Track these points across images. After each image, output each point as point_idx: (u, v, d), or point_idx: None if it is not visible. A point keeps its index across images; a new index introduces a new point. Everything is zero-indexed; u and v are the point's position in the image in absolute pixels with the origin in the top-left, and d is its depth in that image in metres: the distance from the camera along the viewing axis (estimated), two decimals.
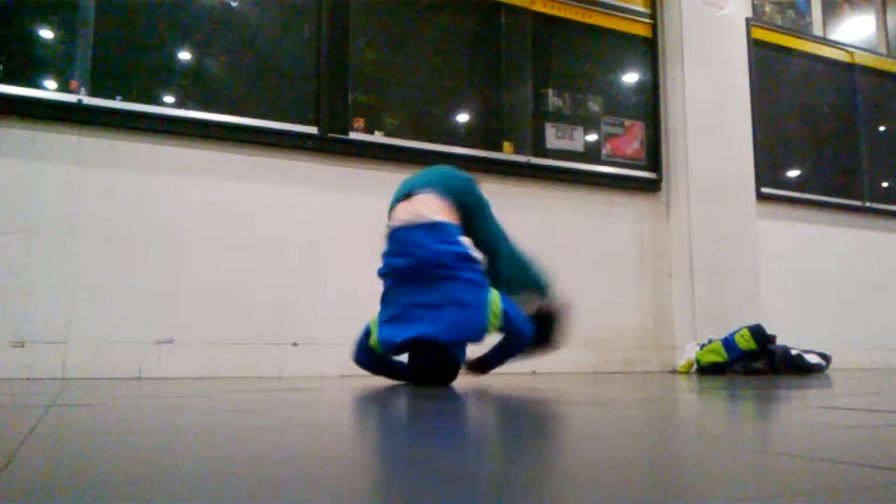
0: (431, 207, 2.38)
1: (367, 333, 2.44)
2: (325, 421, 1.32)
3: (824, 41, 5.24)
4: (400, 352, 2.34)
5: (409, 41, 3.91)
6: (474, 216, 2.50)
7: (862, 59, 5.31)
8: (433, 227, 2.31)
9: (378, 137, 3.63)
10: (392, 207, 2.57)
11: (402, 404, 1.76)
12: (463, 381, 2.54)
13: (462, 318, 2.22)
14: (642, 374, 3.89)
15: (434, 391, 2.10)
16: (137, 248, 3.09)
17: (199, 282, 3.18)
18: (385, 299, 2.39)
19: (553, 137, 4.12)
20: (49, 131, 3.02)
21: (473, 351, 2.46)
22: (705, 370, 3.72)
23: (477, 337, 2.28)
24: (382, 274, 2.41)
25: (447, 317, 2.20)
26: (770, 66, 4.86)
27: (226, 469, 0.75)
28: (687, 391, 2.35)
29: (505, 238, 2.63)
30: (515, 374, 3.24)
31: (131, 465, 0.78)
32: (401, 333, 2.23)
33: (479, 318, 2.23)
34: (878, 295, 5.05)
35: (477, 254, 2.34)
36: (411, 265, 2.27)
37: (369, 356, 2.49)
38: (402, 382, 2.53)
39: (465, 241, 2.34)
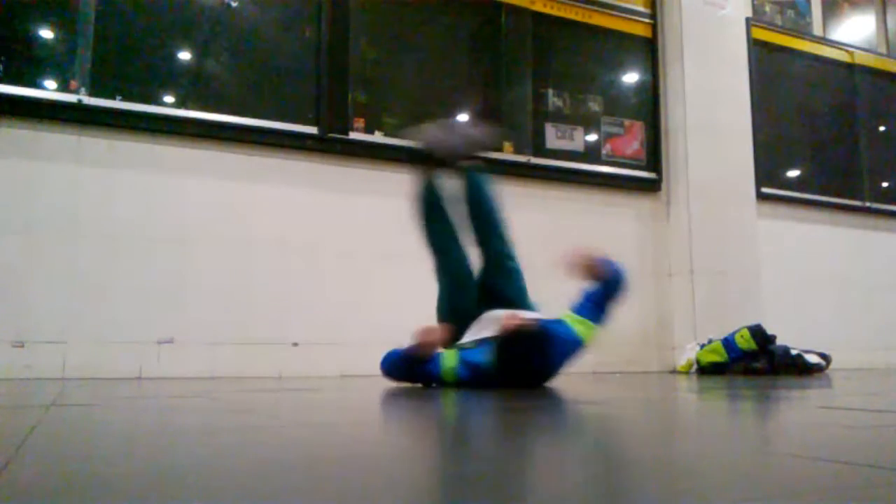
0: None
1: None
2: (325, 421, 1.32)
3: (824, 41, 5.24)
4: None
5: (409, 41, 3.91)
6: None
7: (862, 59, 5.31)
8: None
9: (378, 137, 3.62)
10: None
11: (400, 405, 1.76)
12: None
13: None
14: (642, 374, 3.89)
15: (432, 392, 2.10)
16: (137, 247, 3.09)
17: (199, 281, 3.18)
18: None
19: (553, 137, 4.12)
20: (49, 131, 3.02)
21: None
22: (705, 370, 3.72)
23: None
24: None
25: None
26: (770, 66, 4.86)
27: (225, 469, 0.75)
28: (687, 391, 2.35)
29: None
30: None
31: (131, 465, 0.78)
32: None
33: None
34: (878, 295, 5.05)
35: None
36: None
37: None
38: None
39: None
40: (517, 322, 2.16)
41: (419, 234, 2.48)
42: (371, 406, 1.73)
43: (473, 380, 2.22)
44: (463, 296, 2.43)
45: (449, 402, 1.79)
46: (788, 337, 3.73)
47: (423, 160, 2.46)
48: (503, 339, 2.13)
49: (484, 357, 2.17)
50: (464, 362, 2.24)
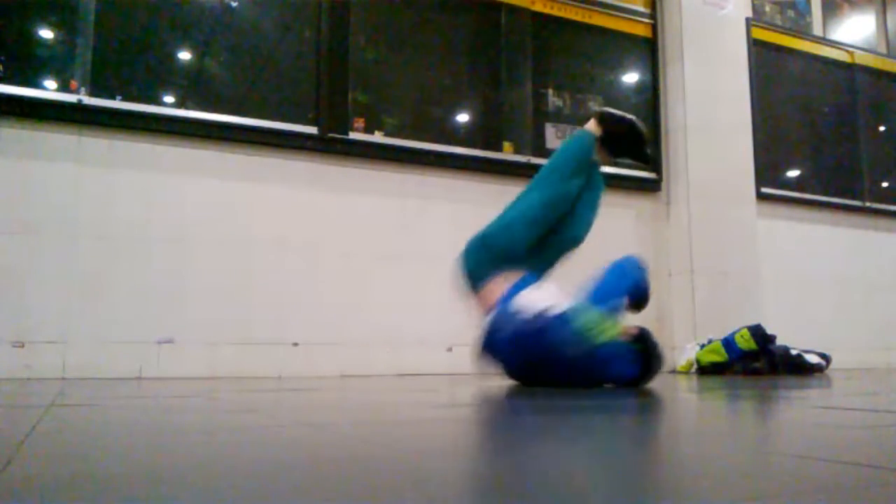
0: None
1: None
2: (325, 421, 1.32)
3: (824, 41, 5.24)
4: None
5: (408, 41, 3.91)
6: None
7: (862, 59, 5.31)
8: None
9: (378, 137, 3.63)
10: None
11: (397, 404, 1.76)
12: (455, 384, 2.53)
13: None
14: None
15: (432, 390, 2.10)
16: (137, 247, 3.09)
17: (199, 281, 3.18)
18: None
19: (553, 137, 4.11)
20: (49, 131, 3.02)
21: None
22: (705, 370, 3.72)
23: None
24: None
25: None
26: (770, 66, 4.86)
27: (225, 469, 0.75)
28: (687, 391, 2.35)
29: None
30: None
31: (131, 465, 0.78)
32: None
33: None
34: (878, 295, 5.05)
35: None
36: None
37: None
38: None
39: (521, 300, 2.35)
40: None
41: (569, 169, 2.76)
42: (371, 406, 1.73)
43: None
44: (548, 227, 2.69)
45: (448, 399, 1.79)
46: (788, 337, 3.73)
47: (634, 131, 2.76)
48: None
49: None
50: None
